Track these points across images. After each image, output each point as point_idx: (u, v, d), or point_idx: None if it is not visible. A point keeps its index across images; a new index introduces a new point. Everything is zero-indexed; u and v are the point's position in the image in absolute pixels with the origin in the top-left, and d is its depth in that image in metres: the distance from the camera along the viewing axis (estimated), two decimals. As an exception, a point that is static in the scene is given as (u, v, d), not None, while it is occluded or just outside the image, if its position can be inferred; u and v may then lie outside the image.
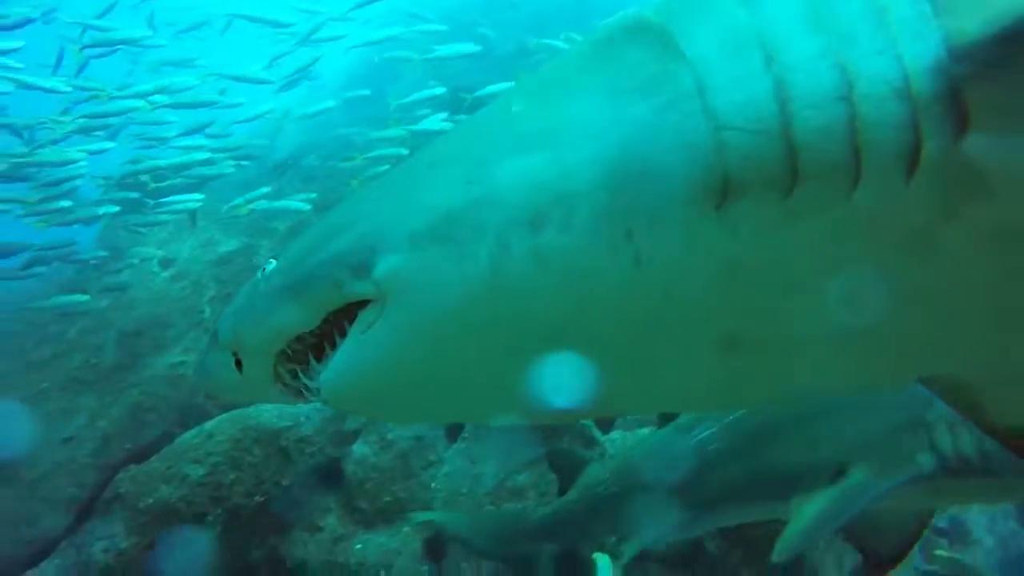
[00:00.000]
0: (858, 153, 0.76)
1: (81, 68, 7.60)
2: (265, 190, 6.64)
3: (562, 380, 0.86)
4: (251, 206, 6.47)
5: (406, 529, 4.87)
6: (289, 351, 1.08)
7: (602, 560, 4.32)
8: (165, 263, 6.85)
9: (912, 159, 0.75)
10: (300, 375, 1.08)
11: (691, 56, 0.84)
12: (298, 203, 6.47)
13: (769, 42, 0.82)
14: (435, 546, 4.86)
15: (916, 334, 0.87)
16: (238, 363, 1.13)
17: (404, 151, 6.68)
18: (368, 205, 1.08)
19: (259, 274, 1.14)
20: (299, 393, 1.10)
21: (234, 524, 4.76)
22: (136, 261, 7.13)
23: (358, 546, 4.74)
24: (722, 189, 0.80)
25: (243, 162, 7.26)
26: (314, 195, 6.66)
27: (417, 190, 0.99)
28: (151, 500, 4.79)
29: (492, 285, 0.87)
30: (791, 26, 0.82)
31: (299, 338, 1.06)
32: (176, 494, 4.80)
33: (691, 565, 4.10)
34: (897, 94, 0.75)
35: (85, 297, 6.70)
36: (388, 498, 4.78)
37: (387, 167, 6.44)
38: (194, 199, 6.60)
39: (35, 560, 4.86)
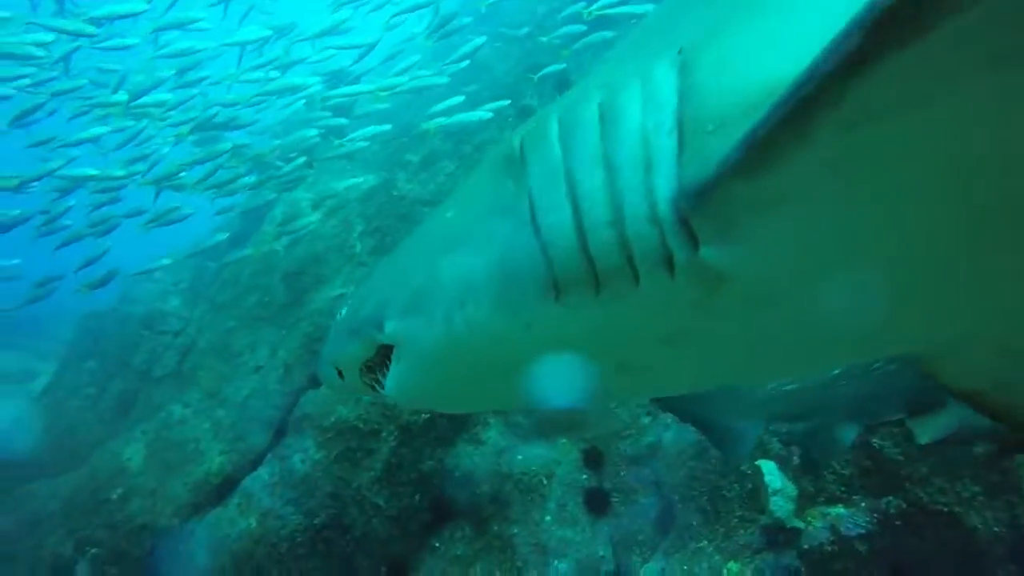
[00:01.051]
0: (632, 261, 1.09)
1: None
2: (459, 99, 6.49)
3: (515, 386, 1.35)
4: (439, 121, 6.35)
5: (563, 441, 5.04)
6: (365, 368, 1.58)
7: (767, 465, 4.23)
8: (315, 204, 7.31)
9: (670, 264, 1.06)
10: (375, 383, 1.57)
11: (528, 186, 1.18)
12: (483, 112, 6.28)
13: (571, 176, 1.14)
14: (593, 455, 5.00)
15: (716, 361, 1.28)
16: (339, 373, 1.65)
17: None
18: (381, 282, 1.58)
19: (337, 317, 1.68)
20: (377, 393, 1.59)
21: (406, 439, 5.18)
22: (287, 206, 7.67)
23: (519, 457, 4.99)
24: (555, 286, 1.16)
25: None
26: (507, 102, 6.47)
27: (403, 275, 1.46)
28: (332, 419, 5.32)
29: (448, 339, 1.32)
30: (585, 163, 1.13)
31: (368, 360, 1.55)
32: (352, 414, 5.29)
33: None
34: (651, 220, 1.06)
35: (248, 251, 7.41)
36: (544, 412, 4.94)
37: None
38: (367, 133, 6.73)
39: (253, 467, 5.66)
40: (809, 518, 3.92)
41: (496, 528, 4.75)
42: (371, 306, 1.48)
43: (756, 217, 0.93)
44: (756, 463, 4.21)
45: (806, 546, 3.87)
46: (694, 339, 1.17)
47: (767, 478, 4.08)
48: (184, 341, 7.93)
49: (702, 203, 0.97)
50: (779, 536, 3.98)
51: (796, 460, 4.06)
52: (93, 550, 5.71)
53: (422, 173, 7.09)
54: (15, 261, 9.80)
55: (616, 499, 4.83)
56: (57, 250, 8.15)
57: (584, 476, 4.95)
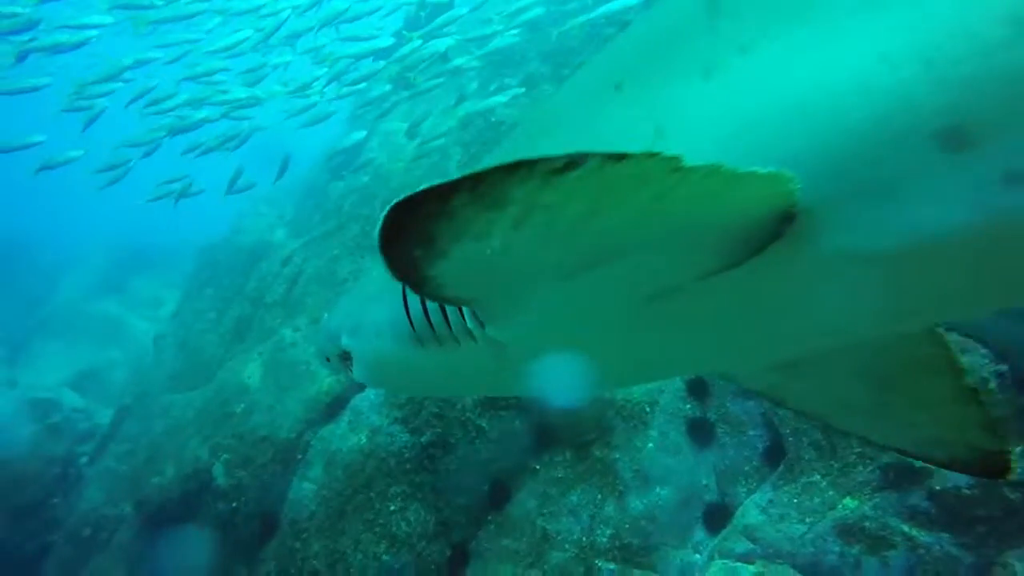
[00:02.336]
0: (451, 331, 1.67)
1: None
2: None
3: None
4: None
5: (668, 369, 4.93)
6: (342, 357, 2.09)
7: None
8: (411, 134, 7.32)
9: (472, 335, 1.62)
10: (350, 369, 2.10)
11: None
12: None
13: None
14: (698, 386, 4.87)
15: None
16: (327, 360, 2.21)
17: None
18: (343, 307, 2.12)
19: (321, 323, 2.22)
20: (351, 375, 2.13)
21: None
22: (383, 137, 7.73)
23: (623, 384, 4.94)
24: (418, 339, 1.75)
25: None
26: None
27: (352, 307, 2.04)
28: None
29: (374, 356, 1.94)
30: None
31: (341, 354, 2.08)
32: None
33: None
34: (454, 309, 1.64)
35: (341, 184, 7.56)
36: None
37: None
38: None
39: (361, 388, 5.94)
40: (941, 457, 3.65)
41: (598, 454, 4.78)
42: (335, 325, 2.07)
43: (509, 317, 1.40)
44: (881, 398, 3.94)
45: (938, 487, 3.62)
46: (499, 375, 1.71)
47: (894, 414, 3.82)
48: (291, 270, 8.33)
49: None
50: (906, 475, 3.75)
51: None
52: (225, 455, 6.28)
53: (521, 97, 6.89)
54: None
55: (721, 430, 4.72)
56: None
57: (688, 406, 4.84)
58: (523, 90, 6.69)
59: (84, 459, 9.66)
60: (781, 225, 1.05)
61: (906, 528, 3.61)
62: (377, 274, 1.97)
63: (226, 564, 6.45)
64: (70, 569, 8.02)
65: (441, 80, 6.68)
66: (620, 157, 0.90)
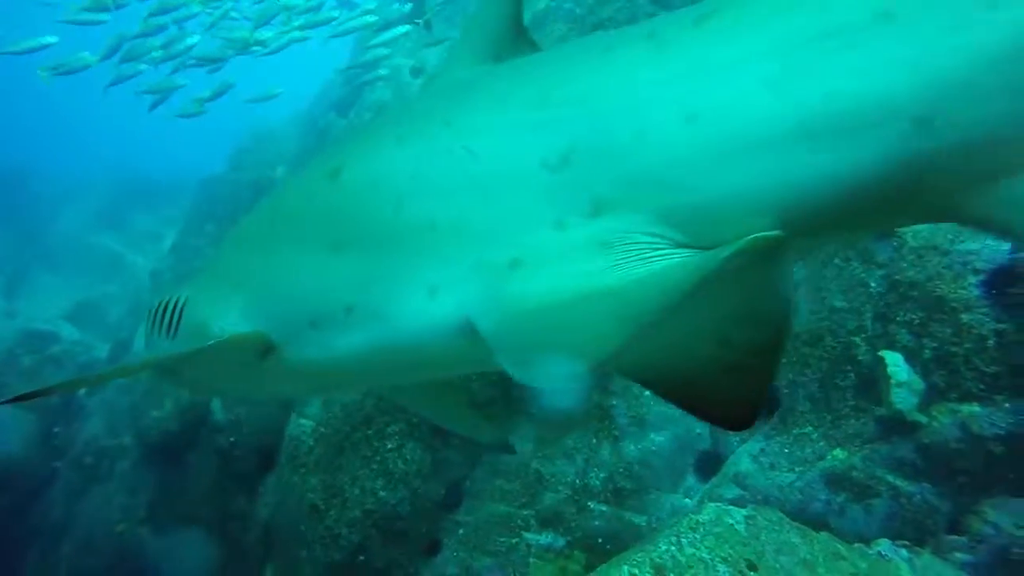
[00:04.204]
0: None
1: None
2: None
3: None
4: None
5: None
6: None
7: (892, 356, 3.97)
8: (415, 71, 7.12)
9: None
10: None
11: None
12: None
13: None
14: (698, 337, 4.89)
15: None
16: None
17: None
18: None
19: None
20: None
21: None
22: (388, 72, 7.52)
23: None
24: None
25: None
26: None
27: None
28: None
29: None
30: None
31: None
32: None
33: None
34: None
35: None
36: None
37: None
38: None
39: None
40: (935, 414, 3.70)
41: (595, 398, 4.83)
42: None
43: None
44: (880, 353, 3.96)
45: (927, 440, 3.68)
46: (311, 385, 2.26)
47: (891, 369, 3.85)
48: (292, 208, 8.24)
49: None
50: (897, 429, 3.81)
51: (928, 353, 3.78)
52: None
53: (532, 35, 6.66)
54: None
55: (718, 381, 4.76)
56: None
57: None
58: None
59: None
60: (269, 351, 1.80)
61: (891, 478, 3.69)
62: None
63: (226, 494, 6.61)
64: (75, 494, 8.24)
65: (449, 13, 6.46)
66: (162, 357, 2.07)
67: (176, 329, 2.00)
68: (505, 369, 1.35)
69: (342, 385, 2.87)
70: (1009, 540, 3.10)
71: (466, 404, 2.37)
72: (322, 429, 5.55)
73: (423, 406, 2.65)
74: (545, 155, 1.35)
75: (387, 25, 6.92)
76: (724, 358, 1.39)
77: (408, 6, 6.80)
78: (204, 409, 6.92)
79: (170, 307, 2.07)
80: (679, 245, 1.26)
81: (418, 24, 7.07)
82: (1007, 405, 3.37)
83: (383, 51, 7.09)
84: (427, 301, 1.44)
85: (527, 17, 6.87)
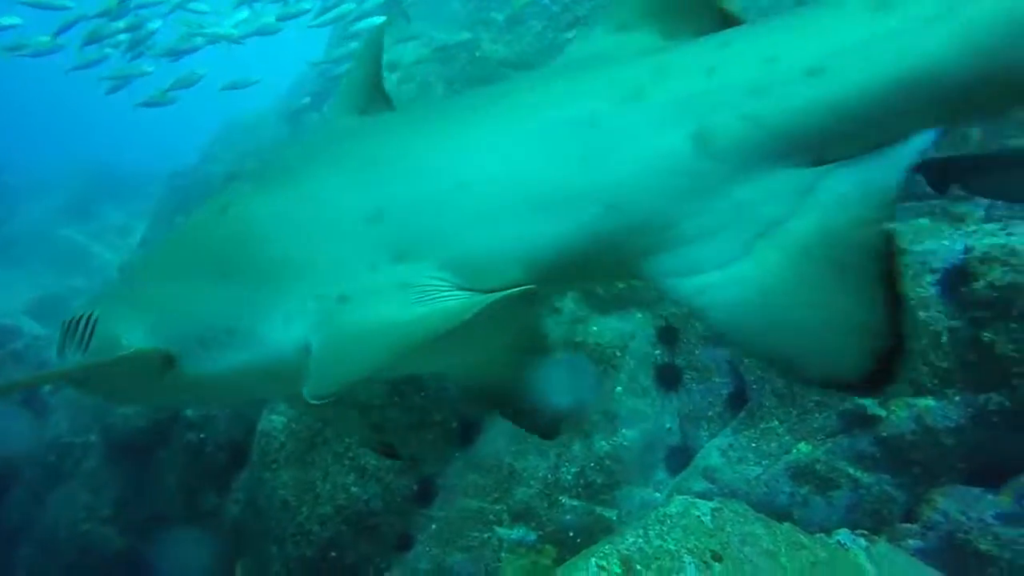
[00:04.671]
0: None
1: None
2: None
3: None
4: None
5: (638, 315, 5.02)
6: None
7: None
8: (391, 66, 7.08)
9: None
10: None
11: None
12: None
13: None
14: (668, 332, 4.97)
15: None
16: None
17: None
18: None
19: None
20: None
21: (481, 304, 5.27)
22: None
23: (594, 328, 5.01)
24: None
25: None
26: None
27: None
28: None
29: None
30: None
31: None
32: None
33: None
34: None
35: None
36: (622, 285, 4.88)
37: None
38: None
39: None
40: (893, 407, 3.82)
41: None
42: None
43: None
44: (842, 350, 4.08)
45: (885, 433, 3.80)
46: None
47: (853, 365, 3.97)
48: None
49: None
50: (858, 423, 3.92)
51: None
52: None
53: (507, 33, 6.69)
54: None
55: (688, 376, 4.85)
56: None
57: (657, 351, 4.95)
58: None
59: (47, 387, 9.56)
60: (168, 365, 2.01)
61: (851, 470, 3.80)
62: None
63: (196, 490, 6.52)
64: (38, 493, 8.05)
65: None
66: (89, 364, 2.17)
67: (88, 343, 2.22)
68: (304, 387, 1.64)
69: (230, 396, 3.34)
70: (955, 526, 3.23)
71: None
72: (294, 425, 5.51)
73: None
74: (367, 210, 1.70)
75: (361, 16, 6.88)
76: (512, 377, 1.87)
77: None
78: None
79: (83, 322, 2.27)
80: (459, 288, 1.60)
81: (396, 16, 7.03)
82: (957, 399, 3.50)
83: (355, 44, 7.05)
84: (284, 327, 1.76)
85: (506, 13, 6.90)
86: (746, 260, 1.40)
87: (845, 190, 1.32)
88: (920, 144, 1.26)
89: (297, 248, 1.77)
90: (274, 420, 5.71)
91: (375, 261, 1.65)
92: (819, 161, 1.34)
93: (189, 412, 6.74)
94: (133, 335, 2.04)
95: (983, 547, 3.16)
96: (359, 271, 1.66)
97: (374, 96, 2.28)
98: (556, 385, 2.11)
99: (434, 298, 1.57)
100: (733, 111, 1.37)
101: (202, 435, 6.64)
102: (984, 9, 1.17)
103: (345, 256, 1.69)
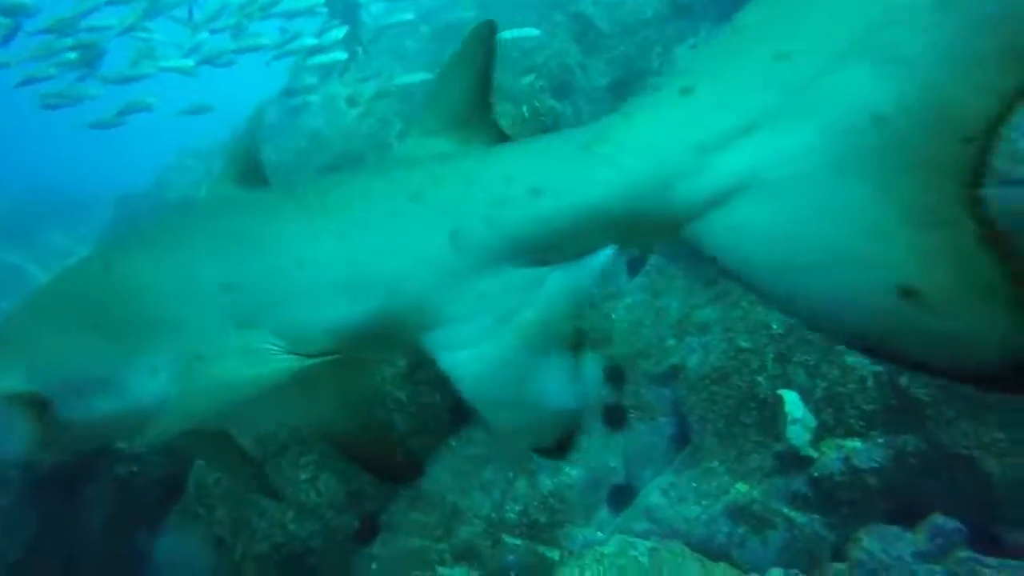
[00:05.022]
0: None
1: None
2: None
3: None
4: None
5: (588, 356, 5.09)
6: None
7: (789, 395, 4.25)
8: (350, 101, 7.17)
9: None
10: None
11: None
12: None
13: None
14: (615, 373, 5.05)
15: None
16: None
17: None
18: None
19: None
20: None
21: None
22: (323, 100, 7.54)
23: (542, 366, 5.06)
24: None
25: None
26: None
27: None
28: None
29: None
30: None
31: None
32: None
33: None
34: None
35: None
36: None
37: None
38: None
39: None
40: (824, 449, 3.96)
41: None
42: None
43: None
44: (779, 392, 4.22)
45: (816, 474, 3.93)
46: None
47: (788, 407, 4.11)
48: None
49: None
50: (792, 463, 4.04)
51: (819, 392, 4.06)
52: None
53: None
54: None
55: (633, 415, 4.92)
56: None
57: (604, 391, 5.02)
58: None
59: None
60: (44, 409, 2.08)
61: (786, 511, 3.90)
62: None
63: (125, 527, 6.21)
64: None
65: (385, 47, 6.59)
66: None
67: None
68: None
69: (103, 440, 3.48)
70: (878, 564, 3.35)
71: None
72: (233, 459, 5.34)
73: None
74: (223, 279, 1.95)
75: (318, 49, 6.98)
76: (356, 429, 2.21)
77: (343, 31, 6.88)
78: (106, 437, 6.51)
79: None
80: (289, 352, 1.84)
81: (355, 52, 7.15)
82: (880, 440, 3.67)
83: (312, 79, 7.12)
84: (150, 379, 1.97)
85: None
86: (490, 341, 1.68)
87: (556, 288, 1.60)
88: (604, 256, 1.56)
89: (166, 308, 2.01)
90: (212, 454, 5.52)
91: (225, 325, 1.91)
92: (544, 262, 1.62)
93: (121, 444, 6.46)
94: (10, 379, 2.14)
95: (904, 585, 3.28)
96: (213, 333, 1.92)
97: (252, 168, 2.56)
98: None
99: (266, 361, 1.84)
100: (480, 217, 1.67)
101: (134, 468, 6.35)
102: (628, 170, 1.50)
103: (203, 319, 1.95)
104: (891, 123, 1.14)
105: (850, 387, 3.81)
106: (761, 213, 1.30)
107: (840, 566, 3.47)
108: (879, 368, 3.71)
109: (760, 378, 4.39)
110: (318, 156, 7.21)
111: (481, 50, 2.00)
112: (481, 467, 4.92)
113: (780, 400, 4.16)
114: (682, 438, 4.78)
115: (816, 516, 3.79)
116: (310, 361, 1.82)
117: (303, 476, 5.07)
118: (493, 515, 4.71)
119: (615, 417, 4.98)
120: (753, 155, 1.32)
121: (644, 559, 3.17)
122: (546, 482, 4.76)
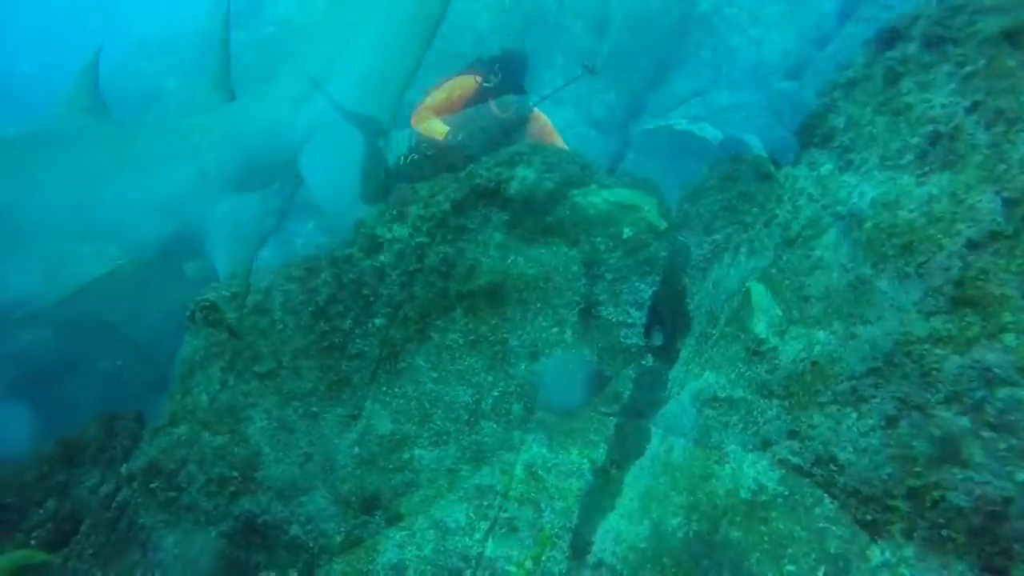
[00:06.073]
0: None
1: None
2: None
3: None
4: None
5: (564, 249, 5.15)
6: None
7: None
8: None
9: None
10: None
11: None
12: None
13: None
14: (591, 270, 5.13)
15: None
16: None
17: None
18: None
19: None
20: None
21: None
22: None
23: (520, 259, 5.12)
24: None
25: None
26: None
27: None
28: (337, 209, 5.37)
29: None
30: None
31: None
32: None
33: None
34: None
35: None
36: (550, 219, 4.98)
37: None
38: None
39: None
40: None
41: (492, 323, 5.01)
42: None
43: None
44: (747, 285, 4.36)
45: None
46: None
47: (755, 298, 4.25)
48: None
49: None
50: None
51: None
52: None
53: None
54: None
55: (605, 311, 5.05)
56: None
57: (580, 283, 5.12)
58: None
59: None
60: None
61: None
62: None
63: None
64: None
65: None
66: None
67: None
68: None
69: None
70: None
71: None
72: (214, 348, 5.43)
73: None
74: (77, 201, 2.29)
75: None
76: None
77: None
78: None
79: None
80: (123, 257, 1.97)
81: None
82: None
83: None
84: (23, 275, 2.04)
85: None
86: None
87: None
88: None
89: (36, 223, 2.69)
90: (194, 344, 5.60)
91: (81, 237, 2.42)
92: (262, 187, 2.50)
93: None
94: None
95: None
96: (71, 242, 2.36)
97: (95, 99, 3.45)
98: None
99: (108, 263, 2.29)
100: (212, 159, 2.36)
101: (119, 362, 6.45)
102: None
103: (63, 231, 2.23)
104: None
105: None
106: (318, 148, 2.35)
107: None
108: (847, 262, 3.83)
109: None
110: (289, 44, 6.87)
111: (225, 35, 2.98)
112: (462, 354, 5.07)
113: (747, 292, 4.30)
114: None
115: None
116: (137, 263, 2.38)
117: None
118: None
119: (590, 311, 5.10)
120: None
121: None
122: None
